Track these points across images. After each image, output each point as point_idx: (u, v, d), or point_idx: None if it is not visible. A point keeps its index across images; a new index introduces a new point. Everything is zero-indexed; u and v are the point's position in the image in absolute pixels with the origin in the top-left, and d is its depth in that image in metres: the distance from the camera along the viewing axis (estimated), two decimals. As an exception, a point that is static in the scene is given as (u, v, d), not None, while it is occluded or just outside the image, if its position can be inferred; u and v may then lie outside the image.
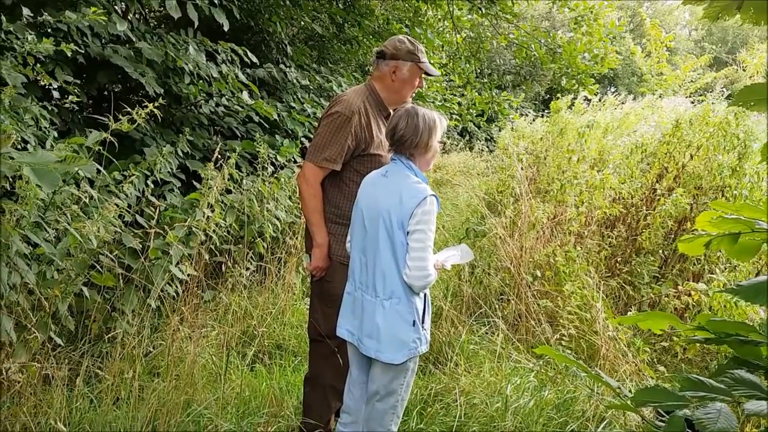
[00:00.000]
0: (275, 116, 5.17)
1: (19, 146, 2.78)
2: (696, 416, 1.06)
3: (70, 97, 3.13)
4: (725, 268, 4.03)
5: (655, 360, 3.53)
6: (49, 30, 3.68)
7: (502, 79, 13.74)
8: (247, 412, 2.81)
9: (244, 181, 4.19)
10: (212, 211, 3.50)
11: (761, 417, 1.31)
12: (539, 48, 7.85)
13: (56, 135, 3.23)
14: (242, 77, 4.77)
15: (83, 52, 3.79)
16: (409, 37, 2.55)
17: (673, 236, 4.58)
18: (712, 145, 4.92)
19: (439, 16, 8.20)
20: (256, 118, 5.26)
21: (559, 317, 3.61)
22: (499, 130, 11.34)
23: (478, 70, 10.37)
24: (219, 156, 3.72)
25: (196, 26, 4.23)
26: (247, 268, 4.03)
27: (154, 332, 3.22)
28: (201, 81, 4.58)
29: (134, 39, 4.15)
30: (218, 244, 3.65)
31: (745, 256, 1.35)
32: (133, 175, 3.21)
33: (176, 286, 3.28)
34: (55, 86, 3.60)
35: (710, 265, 4.23)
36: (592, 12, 7.74)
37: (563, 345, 3.44)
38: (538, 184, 5.96)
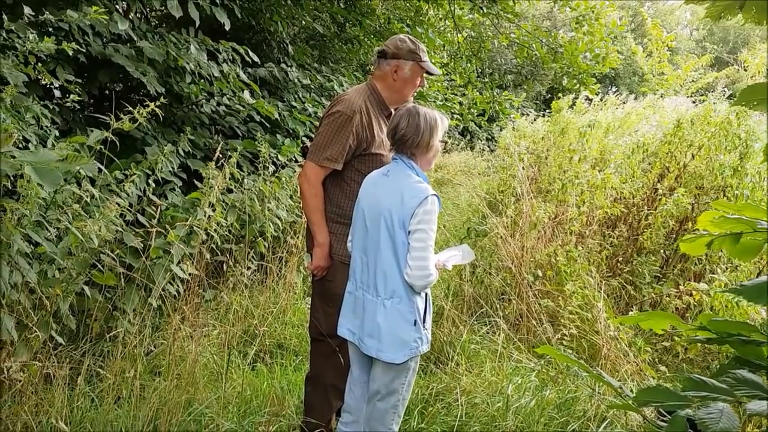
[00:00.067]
0: (276, 115, 5.17)
1: (20, 145, 2.78)
2: (698, 416, 1.05)
3: (72, 96, 3.13)
4: (726, 268, 4.02)
5: (656, 360, 3.53)
6: (51, 29, 3.69)
7: (503, 79, 13.73)
8: (249, 411, 2.81)
9: (246, 180, 4.19)
10: (213, 211, 3.50)
11: (763, 417, 1.31)
12: (540, 47, 7.85)
13: (57, 134, 3.24)
14: (243, 76, 4.77)
15: (84, 51, 3.79)
16: (410, 37, 2.55)
17: (674, 236, 4.58)
18: (713, 144, 4.92)
19: (441, 16, 8.20)
20: (258, 118, 5.26)
21: (561, 317, 3.61)
22: (500, 130, 11.33)
23: (480, 70, 10.35)
24: (220, 155, 3.72)
25: (197, 25, 4.23)
26: (249, 268, 4.03)
27: (155, 331, 3.22)
28: (202, 80, 4.58)
29: (135, 38, 4.16)
30: (219, 244, 3.65)
31: (747, 256, 1.34)
32: (135, 174, 3.21)
33: (177, 285, 3.28)
34: (57, 85, 3.61)
35: (711, 265, 4.23)
36: (593, 12, 7.73)
37: (564, 345, 3.43)
38: (539, 183, 5.96)
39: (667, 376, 3.28)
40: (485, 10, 7.27)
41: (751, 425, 2.52)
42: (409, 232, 2.07)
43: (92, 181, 3.02)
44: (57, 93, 3.96)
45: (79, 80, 3.58)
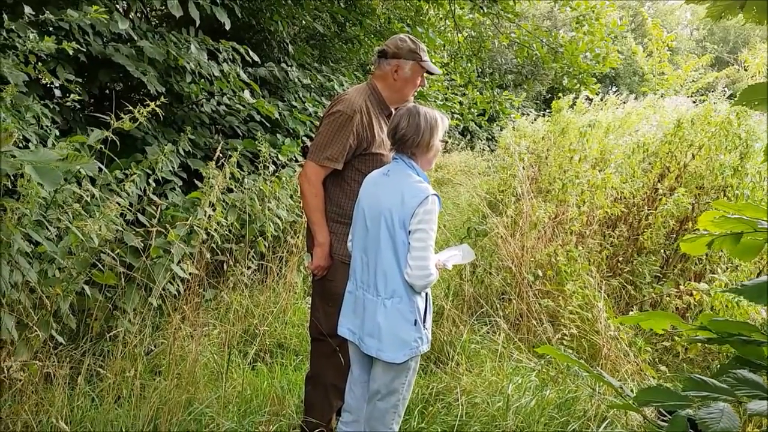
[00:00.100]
0: (277, 115, 5.17)
1: (20, 144, 2.78)
2: (699, 416, 1.05)
3: (72, 95, 3.13)
4: (727, 268, 4.02)
5: (656, 360, 3.53)
6: (51, 28, 3.69)
7: (503, 79, 13.70)
8: (249, 410, 2.81)
9: (246, 179, 4.19)
10: (214, 210, 3.50)
11: (763, 417, 1.31)
12: (541, 47, 7.84)
13: (58, 133, 3.24)
14: (244, 76, 4.77)
15: (85, 50, 3.79)
16: (410, 36, 2.55)
17: (674, 236, 4.58)
18: (713, 144, 4.92)
19: (441, 15, 8.20)
20: (258, 117, 5.26)
21: (561, 317, 3.61)
22: (501, 130, 11.33)
23: (480, 70, 10.34)
24: (220, 155, 3.72)
25: (197, 25, 4.23)
26: (249, 267, 4.03)
27: (155, 331, 3.22)
28: (202, 80, 4.58)
29: (136, 38, 4.16)
30: (220, 243, 3.65)
31: (748, 256, 1.34)
32: (135, 173, 3.21)
33: (178, 285, 3.28)
34: (57, 85, 3.61)
35: (712, 264, 4.23)
36: (593, 11, 7.73)
37: (565, 344, 3.43)
38: (539, 183, 5.96)
39: (668, 376, 3.28)
40: (485, 10, 7.27)
41: (752, 425, 2.52)
42: (409, 231, 2.07)
43: (92, 181, 3.02)
44: (57, 92, 3.96)
45: (80, 80, 3.59)
